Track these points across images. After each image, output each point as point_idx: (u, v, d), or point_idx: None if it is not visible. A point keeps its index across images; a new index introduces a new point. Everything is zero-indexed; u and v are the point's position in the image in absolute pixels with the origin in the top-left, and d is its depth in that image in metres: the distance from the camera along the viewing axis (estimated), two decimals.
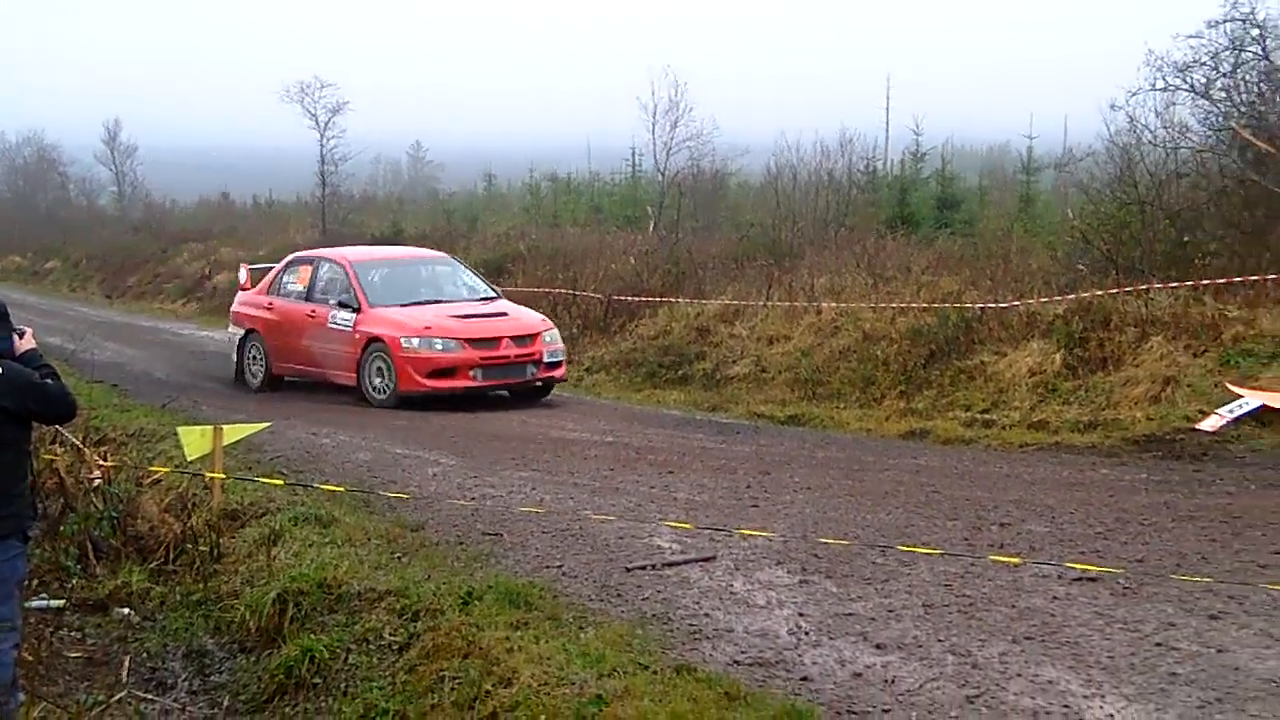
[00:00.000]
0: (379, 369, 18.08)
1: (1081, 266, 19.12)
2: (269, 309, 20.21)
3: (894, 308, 19.35)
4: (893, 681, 6.84)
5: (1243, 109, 19.23)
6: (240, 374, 20.50)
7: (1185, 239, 18.47)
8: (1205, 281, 16.62)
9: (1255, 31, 19.01)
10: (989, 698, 6.57)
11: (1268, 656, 7.00)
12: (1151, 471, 12.80)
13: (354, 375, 18.42)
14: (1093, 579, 8.50)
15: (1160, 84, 19.45)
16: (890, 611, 7.99)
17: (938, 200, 29.77)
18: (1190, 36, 19.19)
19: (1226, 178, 19.41)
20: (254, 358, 20.31)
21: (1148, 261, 18.38)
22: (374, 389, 18.10)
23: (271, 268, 21.37)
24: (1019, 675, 6.85)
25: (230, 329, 21.16)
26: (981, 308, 18.13)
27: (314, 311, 19.31)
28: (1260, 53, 19.03)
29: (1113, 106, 20.59)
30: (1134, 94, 19.75)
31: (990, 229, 26.38)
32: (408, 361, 17.80)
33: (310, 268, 20.02)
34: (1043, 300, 17.75)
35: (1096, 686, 6.66)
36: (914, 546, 9.39)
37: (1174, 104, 19.84)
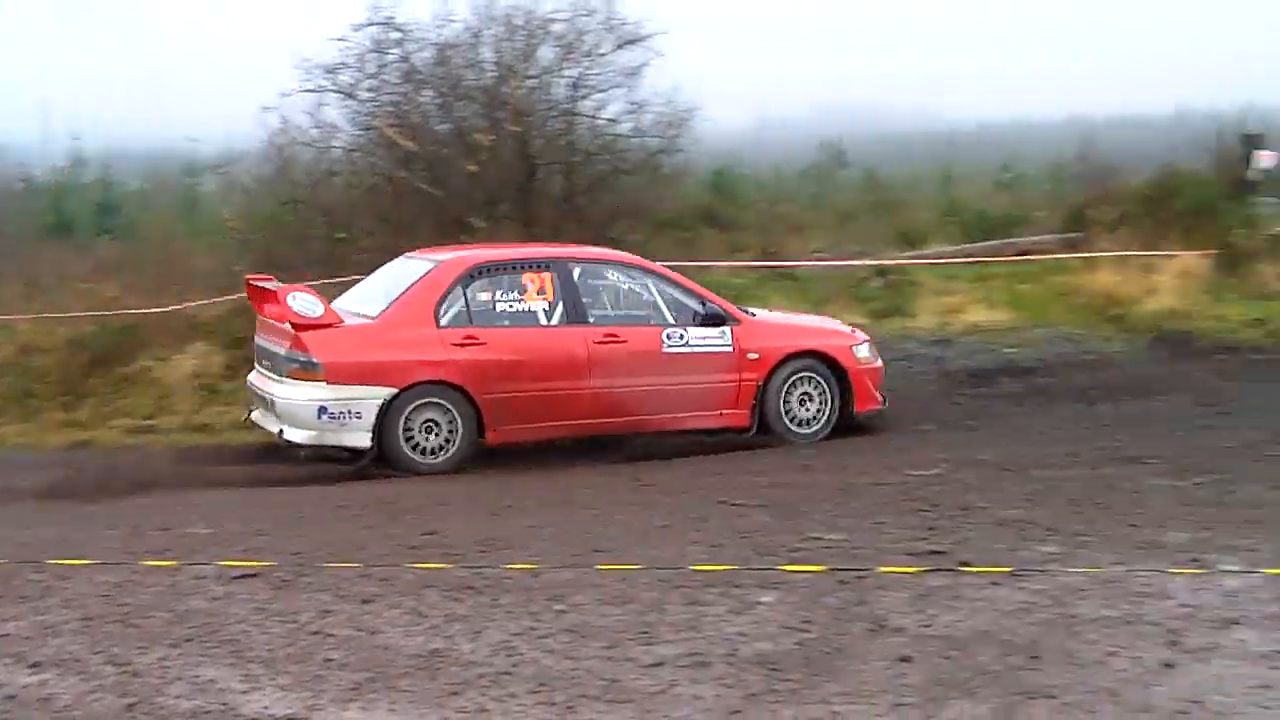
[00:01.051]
0: (804, 396, 13.81)
1: (238, 267, 19.27)
2: (470, 345, 13.11)
3: (53, 317, 18.77)
4: (49, 700, 6.65)
5: (388, 109, 20.03)
6: (390, 453, 12.94)
7: (339, 235, 19.02)
8: (356, 276, 17.19)
9: (396, 35, 19.84)
10: (148, 704, 6.52)
11: (416, 633, 7.36)
12: (317, 467, 13.14)
13: (742, 411, 13.69)
14: (252, 575, 8.62)
15: (310, 85, 19.88)
16: (47, 629, 7.75)
17: (98, 206, 29.25)
18: (337, 39, 19.74)
19: (377, 175, 20.18)
20: (433, 425, 12.97)
21: (304, 258, 18.78)
22: (798, 424, 13.75)
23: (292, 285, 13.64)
24: (179, 678, 6.83)
25: (333, 392, 12.81)
26: (143, 312, 17.94)
27: (614, 336, 13.50)
28: (402, 55, 19.88)
29: (264, 109, 20.79)
30: (285, 96, 20.06)
31: (153, 233, 26.08)
32: (866, 376, 14.14)
33: (547, 276, 13.56)
34: (203, 302, 17.83)
35: (254, 680, 6.75)
36: (71, 560, 9.17)
37: (324, 105, 20.31)
